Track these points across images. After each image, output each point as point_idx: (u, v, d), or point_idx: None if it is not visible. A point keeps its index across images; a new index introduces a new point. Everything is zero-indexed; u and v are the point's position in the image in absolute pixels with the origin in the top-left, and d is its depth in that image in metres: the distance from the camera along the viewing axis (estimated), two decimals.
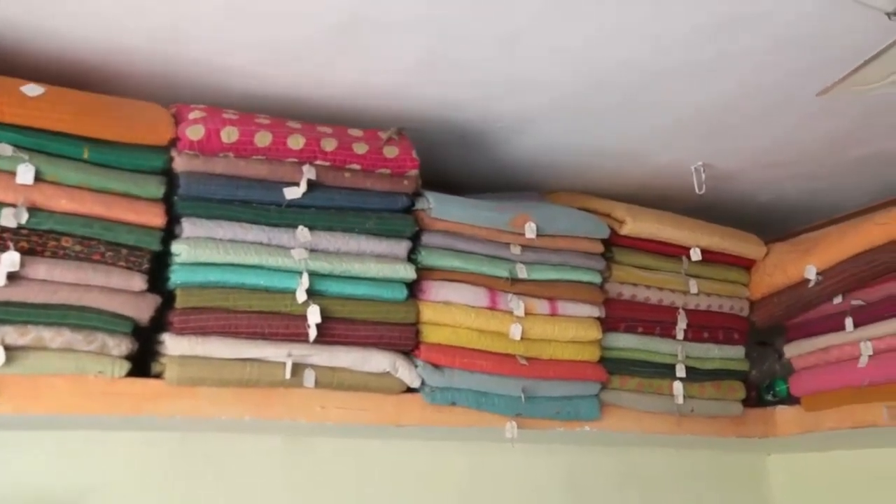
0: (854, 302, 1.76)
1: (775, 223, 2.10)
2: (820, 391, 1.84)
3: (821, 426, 1.85)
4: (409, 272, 1.51)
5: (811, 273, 1.77)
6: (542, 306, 1.64)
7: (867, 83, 1.01)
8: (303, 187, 1.43)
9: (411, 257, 1.54)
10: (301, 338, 1.41)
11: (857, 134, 1.68)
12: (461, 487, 1.83)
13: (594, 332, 1.68)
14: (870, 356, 1.71)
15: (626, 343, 1.76)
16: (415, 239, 1.55)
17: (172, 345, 1.34)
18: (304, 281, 1.41)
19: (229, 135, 1.38)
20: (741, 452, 2.19)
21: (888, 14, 1.00)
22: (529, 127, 1.64)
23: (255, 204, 1.42)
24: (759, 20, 1.27)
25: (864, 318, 1.74)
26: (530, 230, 1.62)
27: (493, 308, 1.59)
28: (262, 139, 1.40)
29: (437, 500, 1.80)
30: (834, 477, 2.12)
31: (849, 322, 1.75)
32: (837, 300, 1.79)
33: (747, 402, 1.93)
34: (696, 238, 1.83)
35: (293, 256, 1.42)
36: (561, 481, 1.95)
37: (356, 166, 1.48)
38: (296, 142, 1.42)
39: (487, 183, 1.84)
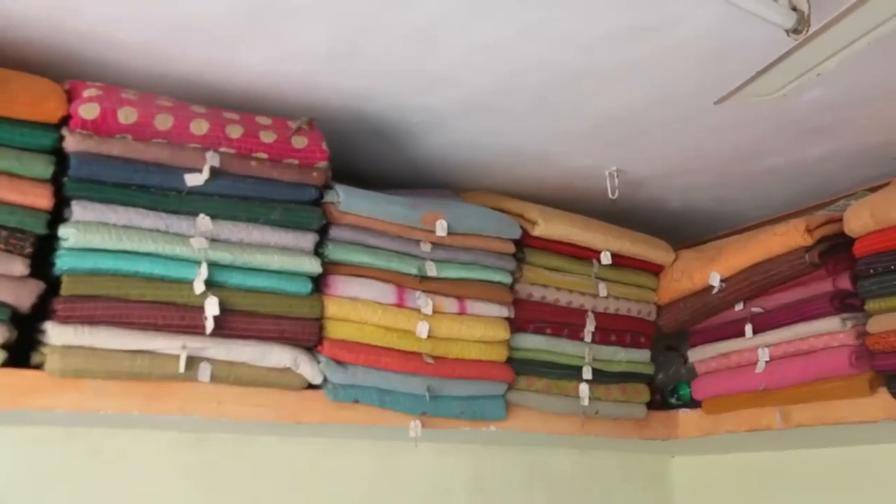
0: (754, 309, 1.80)
1: (685, 230, 2.15)
2: (720, 395, 1.88)
3: (720, 429, 1.89)
4: (314, 266, 1.48)
5: (715, 280, 1.81)
6: (450, 305, 1.63)
7: (761, 94, 1.05)
8: (205, 174, 1.37)
9: (318, 251, 1.51)
10: (197, 330, 1.36)
11: (766, 145, 1.73)
12: (364, 487, 1.80)
13: (502, 333, 1.68)
14: (766, 362, 1.75)
15: (534, 344, 1.76)
16: (322, 232, 1.52)
17: (55, 334, 1.27)
18: (203, 271, 1.36)
19: (127, 115, 1.32)
20: (646, 454, 2.23)
21: (787, 31, 1.04)
22: (444, 124, 1.62)
23: (153, 189, 1.37)
24: (669, 30, 1.29)
25: (762, 324, 1.78)
26: (441, 228, 1.60)
27: (400, 305, 1.57)
28: (163, 122, 1.34)
29: (338, 500, 1.76)
30: (733, 478, 2.18)
31: (748, 329, 1.79)
32: (739, 307, 1.83)
33: (652, 405, 1.97)
34: (607, 242, 1.85)
35: (192, 245, 1.36)
36: (466, 481, 1.94)
37: (263, 155, 1.43)
38: (199, 127, 1.37)
39: (401, 179, 1.82)
